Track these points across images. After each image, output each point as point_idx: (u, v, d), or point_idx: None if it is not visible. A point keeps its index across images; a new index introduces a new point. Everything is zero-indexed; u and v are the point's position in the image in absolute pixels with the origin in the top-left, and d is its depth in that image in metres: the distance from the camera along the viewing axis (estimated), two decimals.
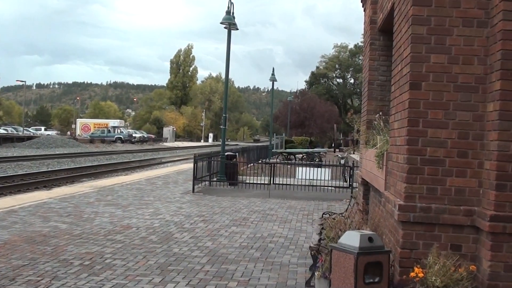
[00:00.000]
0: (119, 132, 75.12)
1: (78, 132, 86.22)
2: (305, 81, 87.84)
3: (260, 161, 24.66)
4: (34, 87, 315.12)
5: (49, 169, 25.05)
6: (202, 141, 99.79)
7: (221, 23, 18.65)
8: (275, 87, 40.28)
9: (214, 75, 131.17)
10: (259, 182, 16.42)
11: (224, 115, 19.47)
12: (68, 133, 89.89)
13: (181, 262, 6.88)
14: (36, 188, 17.63)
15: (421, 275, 4.33)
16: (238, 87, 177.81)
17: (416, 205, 4.65)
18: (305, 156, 32.54)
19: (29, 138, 56.29)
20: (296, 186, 15.99)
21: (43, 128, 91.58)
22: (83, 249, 7.42)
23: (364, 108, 8.45)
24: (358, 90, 74.56)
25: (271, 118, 48.12)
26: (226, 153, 18.66)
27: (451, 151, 4.62)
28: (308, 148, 41.86)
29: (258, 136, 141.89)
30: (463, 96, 4.60)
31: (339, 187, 16.15)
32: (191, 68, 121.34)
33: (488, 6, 4.55)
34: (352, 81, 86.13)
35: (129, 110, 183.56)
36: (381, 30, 7.82)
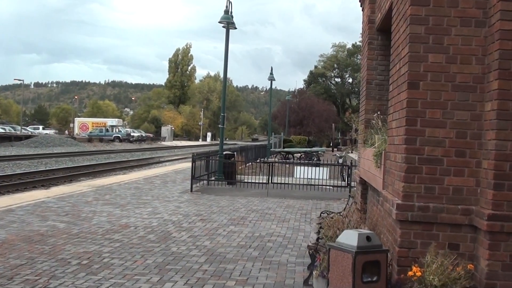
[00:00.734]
0: (117, 131, 75.13)
1: (76, 131, 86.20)
2: (304, 80, 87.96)
3: (258, 160, 24.66)
4: (32, 86, 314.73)
5: (47, 168, 25.03)
6: (200, 140, 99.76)
7: (219, 22, 18.65)
8: (273, 86, 40.28)
9: (212, 74, 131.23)
10: (257, 181, 16.42)
11: (222, 114, 19.46)
12: (66, 132, 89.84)
13: (179, 261, 6.88)
14: (34, 187, 17.61)
15: (419, 274, 4.34)
16: (237, 86, 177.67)
17: (414, 204, 4.66)
18: (303, 155, 32.55)
19: (27, 137, 56.23)
20: (294, 185, 15.99)
21: (41, 127, 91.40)
22: (81, 248, 7.41)
23: (362, 107, 8.46)
24: (356, 89, 74.59)
25: (270, 117, 48.11)
26: (224, 152, 18.66)
27: (449, 150, 4.63)
28: (306, 147, 41.88)
29: (256, 135, 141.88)
30: (461, 96, 4.61)
31: (337, 186, 16.15)
32: (189, 67, 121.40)
33: (486, 5, 4.56)
34: (350, 80, 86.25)
35: (127, 109, 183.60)
36: (380, 30, 7.83)
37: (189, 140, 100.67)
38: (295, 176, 16.70)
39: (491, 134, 4.41)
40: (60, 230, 8.62)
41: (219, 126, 20.16)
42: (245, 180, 17.03)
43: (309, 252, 6.27)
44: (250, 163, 23.81)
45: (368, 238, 4.54)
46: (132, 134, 76.02)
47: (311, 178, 16.24)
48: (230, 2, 18.76)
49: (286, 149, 37.98)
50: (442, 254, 4.45)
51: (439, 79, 4.63)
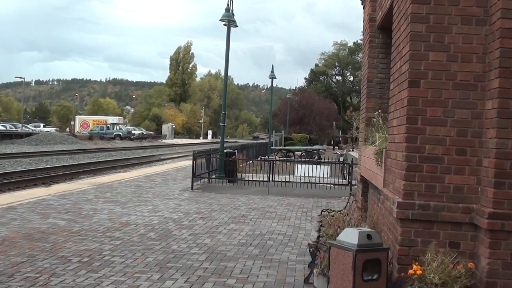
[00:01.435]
0: (118, 129, 75.15)
1: (77, 129, 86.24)
2: (305, 78, 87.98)
3: (259, 158, 24.67)
4: (33, 84, 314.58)
5: (48, 166, 25.04)
6: (201, 138, 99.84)
7: (220, 20, 18.64)
8: (274, 85, 40.31)
9: (213, 72, 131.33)
10: (258, 179, 16.42)
11: (223, 112, 19.47)
12: (67, 129, 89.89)
13: (180, 259, 6.89)
14: (35, 185, 17.62)
15: (419, 272, 4.34)
16: (238, 84, 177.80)
17: (414, 203, 4.65)
18: (304, 154, 32.55)
19: (28, 134, 56.27)
20: (295, 183, 15.99)
21: (42, 124, 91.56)
22: (82, 246, 7.42)
23: (363, 105, 8.45)
24: (357, 87, 74.58)
25: (271, 116, 48.13)
26: (225, 150, 18.66)
27: (450, 149, 4.63)
28: (307, 146, 41.89)
29: (257, 133, 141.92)
30: (462, 94, 4.61)
31: (338, 184, 16.17)
32: (190, 65, 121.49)
33: (487, 4, 4.55)
34: (351, 78, 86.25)
35: (128, 107, 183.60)
36: (380, 28, 7.82)
37: (190, 138, 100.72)
38: (296, 174, 16.71)
39: (491, 132, 4.41)
40: (61, 228, 8.63)
41: (220, 124, 20.17)
42: (246, 178, 17.05)
43: (309, 250, 6.27)
44: (251, 161, 23.81)
45: (369, 236, 4.54)
46: (133, 132, 76.05)
47: (312, 176, 16.25)
48: (231, 0, 18.75)
49: (287, 147, 38.00)
50: (443, 252, 4.45)
51: (440, 78, 4.63)
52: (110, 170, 25.10)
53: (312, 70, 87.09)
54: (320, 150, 35.06)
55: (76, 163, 28.02)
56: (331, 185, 16.23)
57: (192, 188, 14.95)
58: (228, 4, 18.67)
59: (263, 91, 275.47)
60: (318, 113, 63.46)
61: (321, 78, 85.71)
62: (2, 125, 66.32)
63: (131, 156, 36.72)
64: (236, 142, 53.90)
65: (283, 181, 16.11)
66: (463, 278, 4.30)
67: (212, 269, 6.46)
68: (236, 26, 19.03)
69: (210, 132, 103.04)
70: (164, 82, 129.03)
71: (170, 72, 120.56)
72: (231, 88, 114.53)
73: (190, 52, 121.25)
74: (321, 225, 6.76)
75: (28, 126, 78.95)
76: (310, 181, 16.03)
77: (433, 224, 4.64)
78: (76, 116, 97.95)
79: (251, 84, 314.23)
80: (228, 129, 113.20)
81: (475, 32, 4.58)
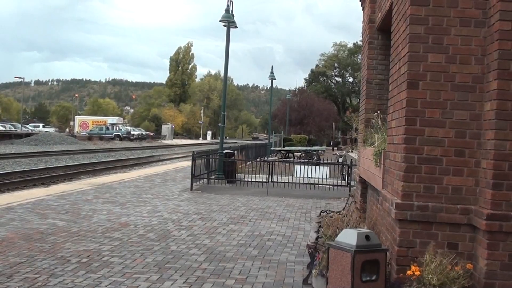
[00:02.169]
0: (117, 129, 75.08)
1: (76, 129, 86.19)
2: (305, 79, 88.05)
3: (258, 159, 24.67)
4: (32, 84, 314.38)
5: (47, 166, 25.04)
6: (200, 138, 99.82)
7: (220, 21, 18.65)
8: (274, 85, 40.31)
9: (213, 72, 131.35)
10: (257, 180, 16.43)
11: (222, 112, 19.48)
12: (67, 130, 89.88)
13: (179, 260, 6.89)
14: (34, 185, 17.62)
15: (418, 273, 4.35)
16: (237, 85, 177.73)
17: (413, 204, 4.66)
18: (303, 154, 32.56)
19: (27, 135, 56.24)
20: (294, 184, 16.00)
21: (41, 125, 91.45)
22: (81, 246, 7.42)
23: (362, 106, 8.47)
24: (357, 88, 74.61)
25: (270, 116, 48.12)
26: (224, 151, 18.67)
27: (448, 150, 4.64)
28: (306, 146, 41.90)
29: (257, 134, 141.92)
30: (460, 96, 4.62)
31: (337, 185, 16.17)
32: (190, 66, 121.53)
33: (485, 6, 4.56)
34: (351, 79, 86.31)
35: (128, 108, 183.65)
36: (380, 29, 7.83)
37: (190, 138, 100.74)
38: (295, 175, 16.71)
39: (490, 134, 4.42)
40: (60, 228, 8.64)
41: (220, 124, 20.18)
42: (245, 179, 17.05)
43: (308, 251, 6.28)
44: (250, 162, 23.82)
45: (367, 237, 4.55)
46: (132, 132, 76.01)
47: (311, 177, 16.26)
48: (231, 1, 18.77)
49: (286, 148, 38.01)
50: (441, 253, 4.46)
51: (438, 79, 4.64)
52: (109, 171, 25.10)
53: (312, 71, 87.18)
54: (320, 151, 35.07)
55: (76, 163, 28.02)
56: (330, 186, 16.24)
57: (191, 189, 14.95)
58: (227, 5, 18.69)
59: (262, 91, 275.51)
60: (317, 114, 63.50)
61: (321, 79, 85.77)
62: (2, 125, 66.31)
63: (131, 157, 36.72)
64: (236, 142, 53.91)
65: (283, 182, 16.11)
66: (461, 279, 4.31)
67: (211, 270, 6.47)
68: (236, 27, 19.04)
69: (209, 132, 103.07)
70: (164, 82, 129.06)
71: (170, 72, 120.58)
72: (230, 88, 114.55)
73: (190, 53, 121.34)
74: (320, 226, 6.77)
75: (28, 126, 78.96)
76: (310, 182, 16.04)
77: (432, 225, 4.65)
78: (76, 116, 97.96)
79: (250, 85, 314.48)
80: (228, 129, 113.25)
81: (473, 34, 4.59)
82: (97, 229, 8.68)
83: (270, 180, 16.29)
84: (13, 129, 65.66)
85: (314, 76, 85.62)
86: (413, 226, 4.68)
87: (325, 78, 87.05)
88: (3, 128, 62.71)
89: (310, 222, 10.04)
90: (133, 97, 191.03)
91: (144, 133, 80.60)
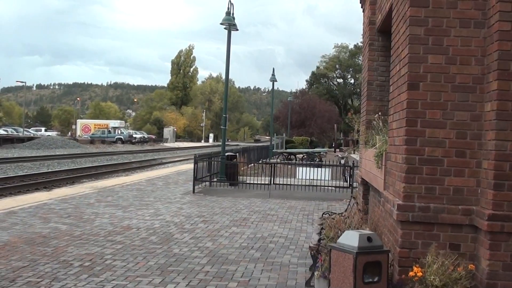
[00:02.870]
0: (119, 132, 75.16)
1: (78, 132, 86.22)
2: (306, 81, 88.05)
3: (260, 161, 24.67)
4: (34, 88, 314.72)
5: (49, 170, 25.07)
6: (202, 141, 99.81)
7: (221, 23, 18.69)
8: (275, 87, 40.35)
9: (214, 75, 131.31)
10: (259, 182, 16.43)
11: (224, 115, 19.50)
12: (69, 133, 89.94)
13: (181, 263, 6.90)
14: (36, 189, 17.64)
15: (420, 274, 4.35)
16: (239, 87, 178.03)
17: (414, 205, 4.67)
18: (305, 156, 32.55)
19: (29, 139, 56.28)
20: (296, 186, 16.00)
21: (43, 129, 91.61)
22: (83, 250, 7.44)
23: (364, 108, 8.47)
24: (358, 90, 74.55)
25: (272, 119, 48.16)
26: (226, 154, 18.68)
27: (449, 151, 4.64)
28: (308, 148, 41.88)
29: (258, 136, 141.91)
30: (461, 96, 4.62)
31: (339, 187, 16.16)
32: (191, 69, 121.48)
33: (485, 7, 4.57)
34: (352, 81, 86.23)
35: (130, 111, 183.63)
36: (380, 31, 7.84)
37: (191, 141, 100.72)
38: (297, 177, 16.72)
39: (491, 134, 4.42)
40: (62, 232, 8.65)
41: (221, 127, 20.19)
42: (247, 181, 17.05)
43: (310, 253, 6.28)
44: (252, 164, 23.83)
45: (369, 238, 4.55)
46: (134, 135, 76.05)
47: (313, 179, 16.26)
48: (231, 4, 18.80)
49: (288, 150, 38.00)
50: (443, 254, 4.46)
51: (439, 80, 4.65)
52: (111, 174, 25.13)
53: (313, 73, 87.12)
54: (322, 153, 35.05)
55: (78, 167, 28.05)
56: (333, 188, 16.22)
57: (193, 192, 14.96)
58: (228, 8, 18.71)
59: (264, 94, 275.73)
60: (319, 115, 63.42)
61: (322, 81, 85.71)
62: (4, 130, 66.42)
63: (133, 160, 36.75)
64: (238, 145, 53.92)
65: (285, 184, 16.11)
66: (463, 280, 4.31)
67: (213, 273, 6.47)
68: (237, 30, 19.06)
69: (211, 135, 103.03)
70: (166, 85, 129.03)
71: (171, 75, 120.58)
72: (232, 91, 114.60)
73: (192, 56, 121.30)
74: (322, 228, 6.77)
75: (30, 130, 79.06)
76: (312, 184, 16.04)
77: (433, 226, 4.65)
78: (78, 120, 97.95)
79: (252, 87, 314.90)
80: (230, 132, 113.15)
81: (473, 35, 4.60)
82: (100, 233, 8.69)
83: (272, 182, 16.29)
84: (15, 133, 65.79)
85: (316, 78, 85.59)
86: (415, 227, 4.68)
87: (326, 79, 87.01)
88: (5, 133, 62.81)
89: (313, 224, 10.04)
90: (135, 100, 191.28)
91: (146, 136, 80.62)
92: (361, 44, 10.40)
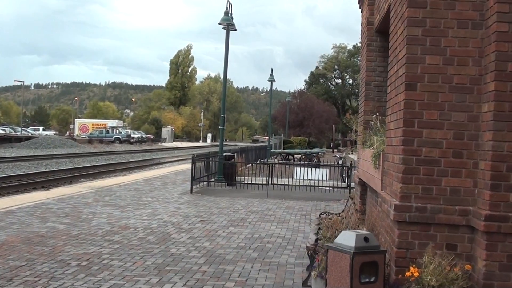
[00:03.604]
0: (117, 132, 75.07)
1: (76, 132, 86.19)
2: (305, 81, 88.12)
3: (258, 162, 24.68)
4: (32, 87, 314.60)
5: (47, 170, 25.04)
6: (200, 141, 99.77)
7: (219, 23, 18.69)
8: (274, 88, 40.38)
9: (213, 75, 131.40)
10: (257, 182, 16.43)
11: (222, 115, 19.50)
12: (67, 133, 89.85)
13: (179, 263, 6.90)
14: (34, 189, 17.62)
15: (416, 274, 4.35)
16: (237, 87, 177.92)
17: (411, 205, 4.67)
18: (303, 157, 32.56)
19: (27, 138, 56.23)
20: (294, 187, 16.01)
21: (41, 128, 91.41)
22: (81, 249, 7.43)
23: (361, 108, 8.48)
24: (357, 90, 74.61)
25: (270, 119, 48.16)
26: (224, 154, 18.68)
27: (446, 152, 4.65)
28: (306, 149, 41.89)
29: (257, 136, 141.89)
30: (458, 97, 4.63)
31: (337, 187, 16.17)
32: (190, 69, 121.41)
33: (482, 7, 4.58)
34: (350, 81, 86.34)
35: (128, 111, 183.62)
36: (378, 31, 7.85)
37: (190, 141, 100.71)
38: (295, 177, 16.72)
39: (488, 135, 4.43)
40: (60, 232, 8.65)
41: (219, 127, 20.19)
42: (245, 182, 17.05)
43: (308, 253, 6.29)
44: (250, 164, 23.83)
45: (366, 239, 4.56)
46: (132, 135, 75.95)
47: (311, 179, 16.26)
48: (230, 4, 18.80)
49: (286, 150, 38.02)
50: (440, 254, 4.47)
51: (436, 81, 4.66)
52: (109, 174, 25.11)
53: (312, 73, 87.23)
54: (320, 153, 35.07)
55: (76, 166, 28.02)
56: (330, 188, 16.23)
57: (191, 192, 14.96)
58: (227, 8, 18.71)
59: (262, 94, 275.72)
60: (317, 116, 63.44)
61: (320, 81, 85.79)
62: (2, 129, 66.33)
63: (131, 160, 36.72)
64: (236, 145, 53.90)
65: (282, 184, 16.12)
66: (460, 280, 4.32)
67: (211, 273, 6.47)
68: (235, 30, 19.08)
69: (209, 135, 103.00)
70: (164, 85, 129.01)
71: (170, 75, 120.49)
72: (230, 91, 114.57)
73: (190, 56, 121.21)
74: (319, 228, 6.78)
75: (28, 129, 79.06)
76: (309, 184, 16.05)
77: (430, 227, 4.66)
78: (76, 119, 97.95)
79: (250, 87, 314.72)
80: (228, 132, 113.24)
81: (471, 36, 4.61)
82: (97, 232, 8.69)
83: (270, 182, 16.29)
84: (13, 132, 65.73)
85: (314, 78, 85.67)
86: (412, 227, 4.69)
87: (325, 80, 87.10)
88: (3, 132, 62.75)
89: (310, 224, 10.05)
90: (133, 100, 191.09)
91: (144, 136, 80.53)
92: (360, 45, 10.41)
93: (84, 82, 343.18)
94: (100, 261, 6.83)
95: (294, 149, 41.56)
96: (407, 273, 4.41)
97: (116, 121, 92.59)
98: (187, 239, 8.41)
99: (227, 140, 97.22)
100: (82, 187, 15.77)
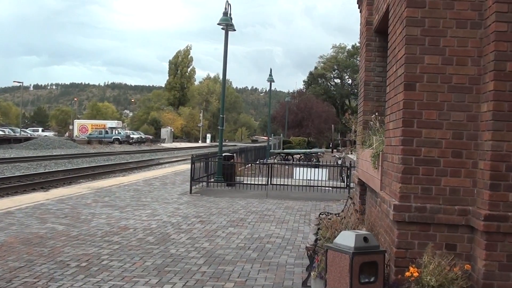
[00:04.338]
0: (116, 133, 75.03)
1: (75, 133, 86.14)
2: (304, 81, 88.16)
3: (257, 162, 24.68)
4: (31, 88, 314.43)
5: (47, 170, 25.03)
6: (200, 141, 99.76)
7: (218, 24, 18.69)
8: (273, 88, 40.36)
9: (212, 75, 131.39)
10: (256, 182, 16.44)
11: (221, 115, 19.50)
12: (66, 134, 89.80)
13: (178, 263, 6.90)
14: (33, 190, 17.61)
15: (416, 274, 4.35)
16: (236, 87, 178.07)
17: (411, 205, 4.67)
18: (302, 157, 32.56)
19: (27, 139, 56.17)
20: (293, 187, 16.01)
21: (40, 129, 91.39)
22: (80, 250, 7.43)
23: (361, 108, 8.48)
24: (356, 90, 74.64)
25: (269, 119, 48.15)
26: (223, 154, 18.68)
27: (446, 151, 4.65)
28: (305, 149, 41.89)
29: (256, 136, 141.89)
30: (457, 97, 4.63)
31: (336, 187, 16.17)
32: (189, 69, 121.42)
33: (481, 7, 4.57)
34: (350, 81, 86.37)
35: (127, 111, 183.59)
36: (377, 31, 7.84)
37: (189, 141, 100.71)
38: (294, 178, 16.73)
39: (487, 135, 4.43)
40: (59, 233, 8.64)
41: (219, 127, 20.19)
42: (245, 182, 17.05)
43: (307, 254, 6.29)
44: (249, 165, 23.83)
45: (365, 239, 4.55)
46: (131, 136, 75.90)
47: (311, 180, 16.26)
48: (229, 4, 18.80)
49: (285, 151, 38.01)
50: (439, 254, 4.46)
51: (435, 81, 4.65)
52: (108, 174, 25.09)
53: (311, 73, 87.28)
54: (319, 153, 35.07)
55: (75, 167, 28.01)
56: (330, 188, 16.24)
57: (190, 192, 14.96)
58: (226, 8, 18.71)
59: (261, 94, 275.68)
60: (316, 116, 63.51)
61: (320, 81, 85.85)
62: (1, 130, 66.26)
63: (130, 160, 36.71)
64: (235, 145, 53.91)
65: (282, 185, 16.12)
66: (459, 280, 4.31)
67: (210, 273, 6.47)
68: (234, 30, 19.08)
69: (208, 135, 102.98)
70: (163, 86, 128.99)
71: (169, 76, 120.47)
72: (229, 91, 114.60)
73: (189, 56, 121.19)
74: (318, 228, 6.78)
75: (27, 130, 78.97)
76: (309, 184, 16.05)
77: (430, 227, 4.65)
78: (75, 120, 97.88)
79: (250, 88, 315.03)
80: (227, 132, 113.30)
81: (470, 35, 4.60)
82: (97, 233, 8.68)
83: (269, 182, 16.30)
84: (12, 133, 65.67)
85: (313, 78, 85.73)
86: (411, 227, 4.68)
87: (324, 80, 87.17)
88: (2, 133, 62.65)
89: (310, 224, 10.05)
90: (132, 100, 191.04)
91: (143, 136, 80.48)
92: (359, 45, 10.41)
93: (83, 83, 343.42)
94: (100, 262, 6.83)
95: (294, 149, 41.56)
96: (407, 273, 4.40)
97: (115, 121, 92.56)
98: (187, 240, 8.41)
99: (226, 140, 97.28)
100: (81, 188, 15.76)
